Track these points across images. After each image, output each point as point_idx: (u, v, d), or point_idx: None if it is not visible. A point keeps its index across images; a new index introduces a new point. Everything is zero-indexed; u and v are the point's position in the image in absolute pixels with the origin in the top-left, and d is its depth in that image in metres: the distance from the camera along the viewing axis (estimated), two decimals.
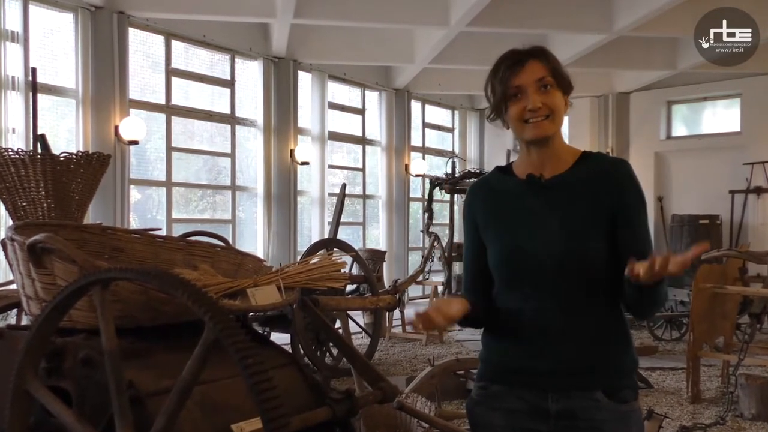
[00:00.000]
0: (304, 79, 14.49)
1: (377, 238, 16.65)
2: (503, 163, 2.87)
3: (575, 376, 2.43)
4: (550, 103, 2.45)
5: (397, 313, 11.68)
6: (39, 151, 5.70)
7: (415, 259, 16.60)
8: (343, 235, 13.12)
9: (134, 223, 11.61)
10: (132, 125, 10.97)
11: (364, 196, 16.37)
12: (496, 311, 2.59)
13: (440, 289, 13.05)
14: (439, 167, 17.32)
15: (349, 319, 7.98)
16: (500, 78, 2.51)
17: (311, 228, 14.56)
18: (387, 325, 11.55)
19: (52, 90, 10.54)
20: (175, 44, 12.28)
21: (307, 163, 14.11)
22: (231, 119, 13.24)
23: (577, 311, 2.43)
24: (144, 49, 11.87)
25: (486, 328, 2.66)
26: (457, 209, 15.62)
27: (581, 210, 2.46)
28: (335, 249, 8.71)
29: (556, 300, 2.44)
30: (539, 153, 2.53)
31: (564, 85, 2.51)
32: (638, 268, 2.15)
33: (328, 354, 8.85)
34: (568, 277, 2.42)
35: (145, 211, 12.50)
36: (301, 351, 7.71)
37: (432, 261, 13.59)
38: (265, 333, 7.61)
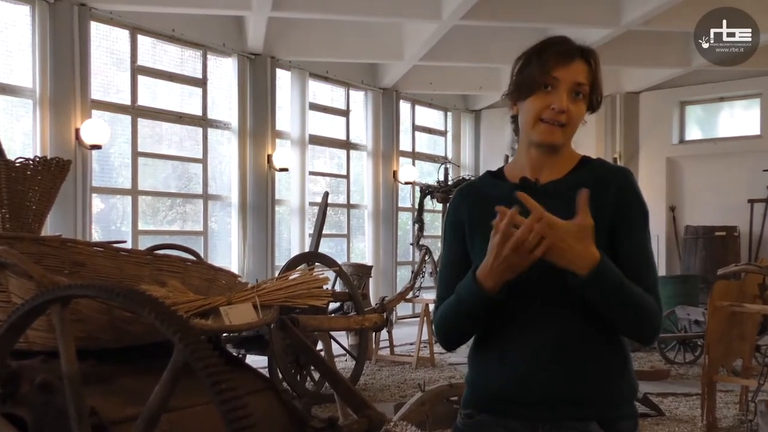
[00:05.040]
0: (283, 78, 14.50)
1: (363, 251, 16.65)
2: None
3: (567, 405, 2.40)
4: (572, 114, 2.43)
5: (384, 334, 11.68)
6: None
7: (404, 275, 16.61)
8: (325, 248, 13.14)
9: (97, 235, 11.57)
10: (94, 128, 10.94)
11: (349, 206, 16.38)
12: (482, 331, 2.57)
13: (432, 307, 13.04)
14: (431, 174, 17.33)
15: (332, 340, 7.98)
16: (542, 61, 2.44)
17: (290, 240, 14.56)
18: (373, 346, 11.54)
19: (6, 89, 10.52)
20: (142, 39, 12.26)
21: (286, 170, 14.09)
22: (203, 121, 13.23)
23: (570, 334, 2.39)
24: (107, 45, 11.85)
25: (473, 348, 2.63)
26: None
27: None
28: (317, 263, 8.72)
29: (545, 321, 2.41)
30: (541, 156, 2.51)
31: (593, 101, 2.51)
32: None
33: (309, 378, 8.85)
34: (559, 296, 2.38)
35: (109, 221, 12.47)
36: (280, 375, 7.71)
37: (423, 277, 13.59)
38: (240, 355, 7.62)
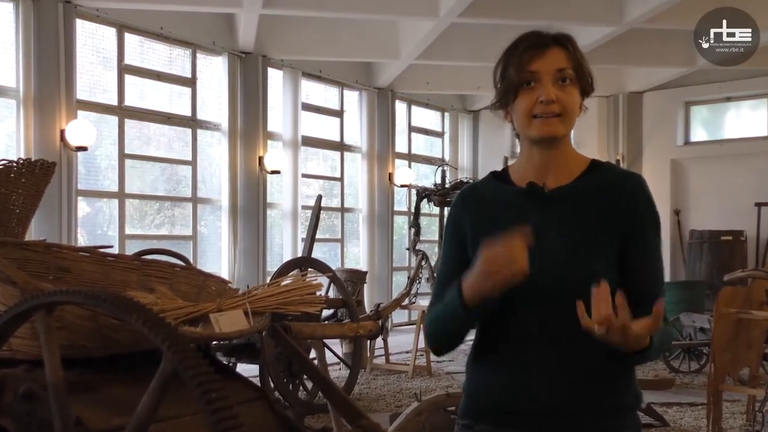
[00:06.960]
0: (275, 77, 14.51)
1: (357, 256, 16.65)
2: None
3: (570, 416, 2.40)
4: (564, 100, 2.40)
5: (379, 341, 11.66)
6: None
7: (400, 281, 16.62)
8: (318, 253, 13.13)
9: (82, 240, 11.57)
10: (80, 129, 10.93)
11: (343, 209, 16.39)
12: (480, 339, 2.58)
13: None
14: (427, 176, 17.35)
15: (325, 348, 7.97)
16: (516, 60, 2.43)
17: (282, 245, 14.56)
18: (368, 355, 11.54)
19: None
20: (129, 37, 12.25)
21: (278, 172, 14.10)
22: (192, 122, 13.23)
23: (574, 343, 2.35)
24: (94, 43, 11.85)
25: (472, 356, 2.62)
26: None
27: (588, 228, 2.43)
28: (310, 269, 8.71)
29: (552, 330, 2.41)
30: (544, 156, 2.48)
31: (584, 84, 2.48)
32: (594, 324, 2.14)
33: (301, 388, 8.84)
34: (568, 304, 2.30)
35: (95, 225, 12.46)
36: (272, 384, 7.70)
37: (419, 282, 13.58)
38: (231, 364, 7.60)
